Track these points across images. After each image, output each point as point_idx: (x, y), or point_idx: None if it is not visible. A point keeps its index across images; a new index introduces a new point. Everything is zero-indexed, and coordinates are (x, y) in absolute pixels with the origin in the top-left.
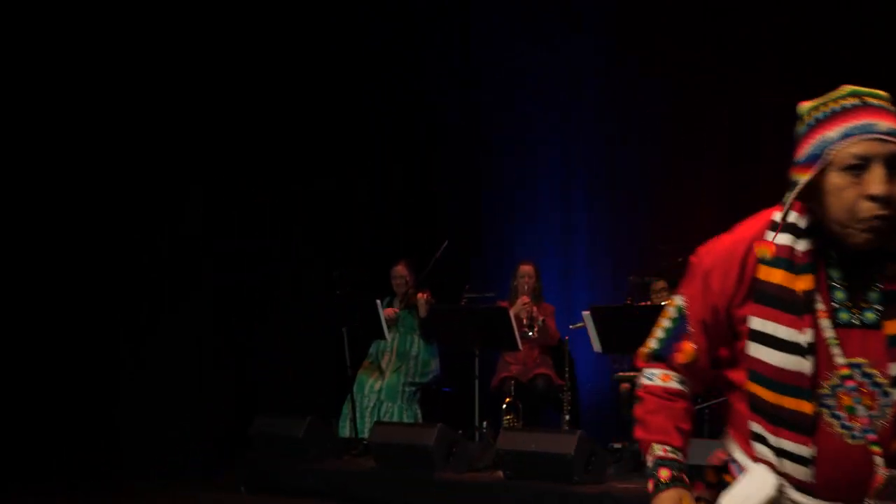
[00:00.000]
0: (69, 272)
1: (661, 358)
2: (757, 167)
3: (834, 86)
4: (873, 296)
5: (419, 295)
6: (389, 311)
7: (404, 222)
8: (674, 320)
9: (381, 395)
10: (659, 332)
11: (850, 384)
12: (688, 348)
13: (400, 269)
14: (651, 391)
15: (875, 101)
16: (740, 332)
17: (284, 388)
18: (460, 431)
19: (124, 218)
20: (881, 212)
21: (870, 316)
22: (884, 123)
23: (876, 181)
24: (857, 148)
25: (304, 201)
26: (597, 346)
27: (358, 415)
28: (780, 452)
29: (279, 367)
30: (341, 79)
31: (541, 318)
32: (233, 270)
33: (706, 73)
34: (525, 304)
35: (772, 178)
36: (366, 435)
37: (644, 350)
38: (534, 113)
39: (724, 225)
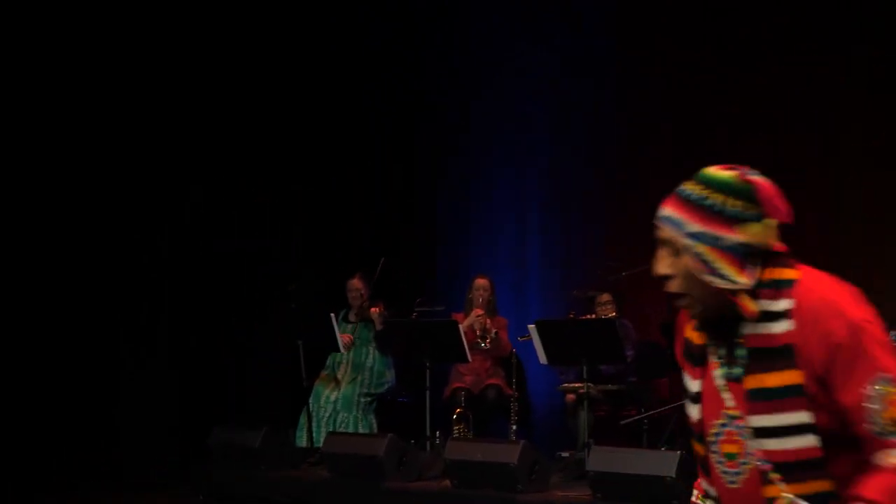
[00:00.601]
0: (67, 273)
1: None
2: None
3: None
4: (740, 353)
5: (372, 309)
6: (346, 337)
7: (394, 224)
8: None
9: (337, 406)
10: None
11: (722, 432)
12: None
13: (355, 283)
14: None
15: (683, 188)
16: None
17: (242, 398)
18: (413, 441)
19: (121, 218)
20: (668, 288)
21: (737, 371)
22: (664, 210)
23: (656, 261)
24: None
25: (304, 202)
26: (542, 358)
27: (314, 425)
28: (708, 493)
29: (237, 378)
30: (341, 79)
31: (493, 331)
32: (203, 275)
33: (705, 72)
34: (479, 315)
35: None
36: (321, 444)
37: None
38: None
39: None
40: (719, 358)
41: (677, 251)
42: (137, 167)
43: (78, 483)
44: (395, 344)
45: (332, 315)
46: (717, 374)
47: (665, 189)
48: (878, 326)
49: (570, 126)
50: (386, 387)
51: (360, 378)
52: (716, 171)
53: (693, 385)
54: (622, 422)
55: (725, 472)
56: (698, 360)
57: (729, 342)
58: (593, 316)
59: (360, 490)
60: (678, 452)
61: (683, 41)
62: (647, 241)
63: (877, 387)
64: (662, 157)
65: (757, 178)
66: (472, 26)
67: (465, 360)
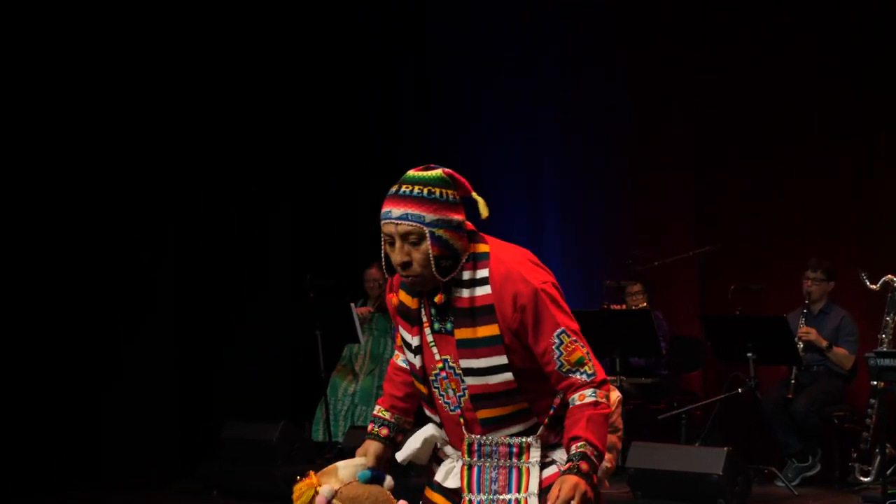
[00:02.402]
0: (68, 273)
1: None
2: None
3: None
4: (451, 312)
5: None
6: (363, 309)
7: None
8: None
9: (355, 399)
10: None
11: (443, 374)
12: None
13: (373, 273)
14: (391, 365)
15: (403, 189)
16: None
17: (257, 392)
18: None
19: (121, 217)
20: (406, 273)
21: (448, 326)
22: (396, 210)
23: (397, 254)
24: (385, 229)
25: (304, 202)
26: None
27: (332, 418)
28: (432, 419)
29: (252, 371)
30: (341, 79)
31: None
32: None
33: (705, 72)
34: None
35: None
36: (340, 438)
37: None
38: (503, 110)
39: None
40: (433, 317)
41: (417, 241)
42: (136, 167)
43: (79, 483)
44: None
45: (352, 304)
46: (429, 329)
47: (675, 179)
48: (551, 288)
49: (588, 110)
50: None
51: (377, 370)
52: (423, 172)
53: (412, 340)
54: (660, 416)
55: (446, 403)
56: (415, 320)
57: (441, 306)
58: (623, 306)
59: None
60: (724, 449)
61: (705, 29)
62: (672, 230)
63: (557, 338)
64: (686, 140)
65: (449, 170)
66: (473, 25)
67: None
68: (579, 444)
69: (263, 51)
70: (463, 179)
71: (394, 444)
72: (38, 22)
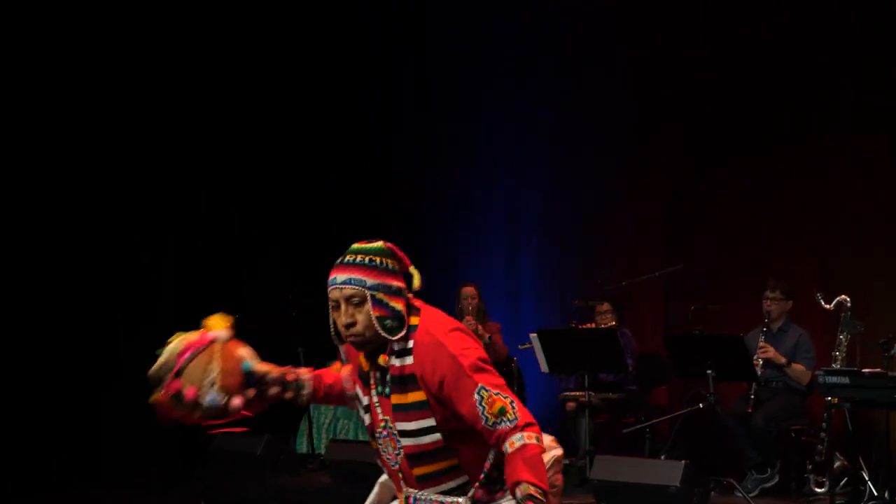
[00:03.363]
0: (68, 275)
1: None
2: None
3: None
4: (388, 377)
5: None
6: None
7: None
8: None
9: (336, 413)
10: None
11: (384, 432)
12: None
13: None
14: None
15: (348, 258)
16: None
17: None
18: None
19: (121, 217)
20: (349, 333)
21: (387, 390)
22: (340, 276)
23: (342, 316)
24: (331, 294)
25: (303, 203)
26: (544, 366)
27: (315, 431)
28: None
29: None
30: (341, 79)
31: (487, 336)
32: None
33: (706, 72)
34: (471, 323)
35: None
36: (322, 451)
37: None
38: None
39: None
40: (377, 381)
41: (360, 302)
42: (137, 169)
43: (78, 483)
44: None
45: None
46: (374, 392)
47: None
48: (470, 353)
49: (567, 135)
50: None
51: None
52: (367, 244)
53: (364, 399)
54: (625, 430)
55: (388, 458)
56: (366, 380)
57: (381, 369)
58: (593, 325)
59: (362, 496)
60: (683, 462)
61: (684, 42)
62: (643, 251)
63: (477, 395)
64: (659, 166)
65: (390, 244)
66: (473, 27)
67: None
68: (521, 487)
69: (263, 51)
70: (402, 254)
71: (273, 381)
72: (38, 23)
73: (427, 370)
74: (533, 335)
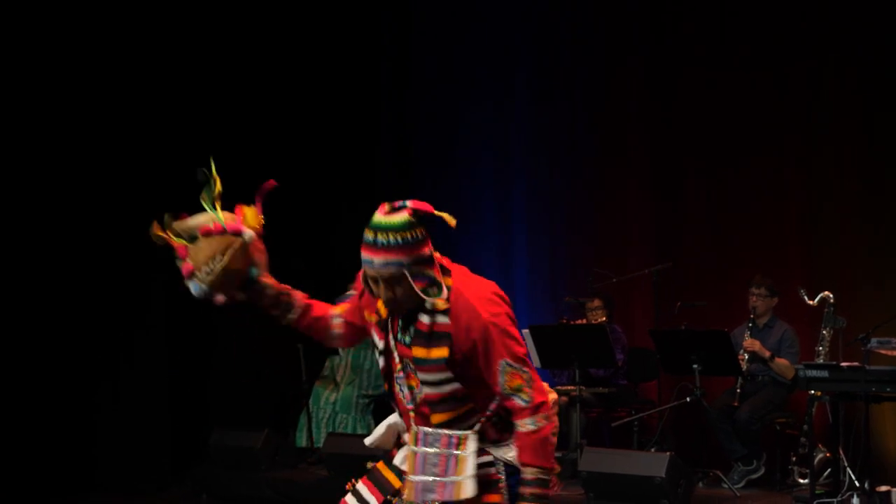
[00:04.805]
0: (67, 278)
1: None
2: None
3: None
4: (412, 329)
5: None
6: None
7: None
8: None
9: (336, 407)
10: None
11: (401, 374)
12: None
13: (357, 286)
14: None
15: (380, 239)
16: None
17: (245, 400)
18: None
19: (119, 218)
20: (392, 307)
21: (408, 339)
22: (377, 259)
23: (382, 293)
24: (368, 272)
25: (303, 204)
26: (536, 361)
27: (314, 425)
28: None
29: (240, 381)
30: (341, 78)
31: None
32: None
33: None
34: None
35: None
36: (321, 445)
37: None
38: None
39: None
40: (399, 328)
41: (399, 280)
42: (134, 170)
43: (73, 487)
44: None
45: None
46: (393, 337)
47: (644, 194)
48: (504, 319)
49: (557, 135)
50: (383, 389)
51: (358, 380)
52: (390, 217)
53: (379, 343)
54: (613, 423)
55: (404, 398)
56: (384, 327)
57: (406, 322)
58: (584, 321)
59: None
60: (667, 454)
61: (661, 56)
62: (632, 250)
63: (501, 366)
64: (647, 167)
65: (409, 204)
66: (460, 22)
67: None
68: (528, 470)
69: (263, 51)
70: (424, 205)
71: (268, 296)
72: (38, 23)
73: (462, 333)
74: (525, 331)
